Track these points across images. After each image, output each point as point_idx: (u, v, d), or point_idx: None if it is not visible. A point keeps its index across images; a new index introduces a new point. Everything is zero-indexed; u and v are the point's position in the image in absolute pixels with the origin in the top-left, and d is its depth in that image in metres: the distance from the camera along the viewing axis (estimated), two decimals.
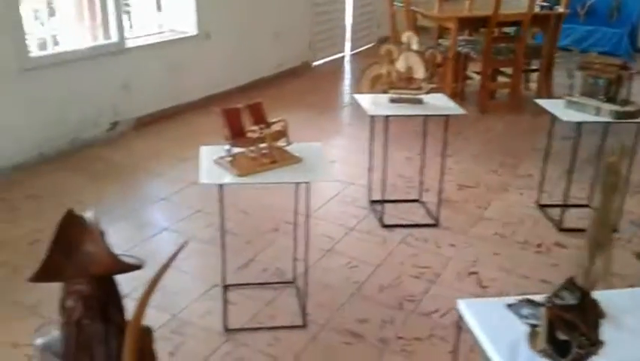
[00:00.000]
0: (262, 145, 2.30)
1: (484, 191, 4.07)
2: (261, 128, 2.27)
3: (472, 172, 4.35)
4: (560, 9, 5.64)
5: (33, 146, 4.17)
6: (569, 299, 1.70)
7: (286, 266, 3.07)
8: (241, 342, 2.54)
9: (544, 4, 5.74)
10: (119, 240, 3.28)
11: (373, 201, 3.81)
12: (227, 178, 2.28)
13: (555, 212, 3.76)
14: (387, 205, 3.70)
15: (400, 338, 2.61)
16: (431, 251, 3.31)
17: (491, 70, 5.65)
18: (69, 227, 1.32)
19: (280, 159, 2.35)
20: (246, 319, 2.69)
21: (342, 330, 2.63)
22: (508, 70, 5.85)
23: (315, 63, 7.19)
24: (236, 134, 2.29)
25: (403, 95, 3.22)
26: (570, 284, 1.68)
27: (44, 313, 2.63)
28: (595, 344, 1.59)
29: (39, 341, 1.43)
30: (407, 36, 3.09)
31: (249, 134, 2.30)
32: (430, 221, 3.63)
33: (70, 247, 1.29)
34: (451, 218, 3.65)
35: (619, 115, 3.18)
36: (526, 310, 1.74)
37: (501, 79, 5.99)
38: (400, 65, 3.15)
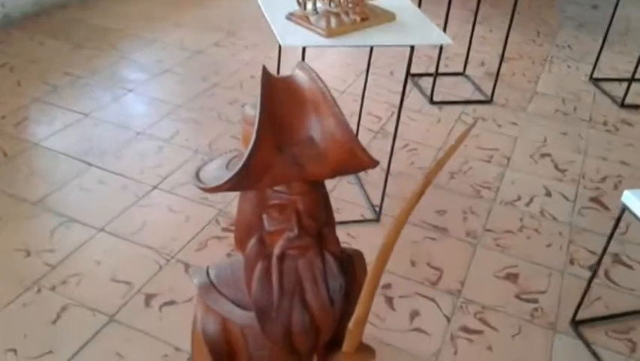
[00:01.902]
0: None
1: (529, 63, 3.62)
2: None
3: (511, 42, 3.85)
4: None
5: None
6: None
7: None
8: None
9: None
10: (129, 120, 2.68)
11: (413, 75, 3.30)
12: (313, 40, 1.71)
13: (609, 87, 3.38)
14: (429, 79, 3.20)
15: (489, 230, 2.24)
16: (493, 131, 2.89)
17: None
18: (276, 99, 0.79)
19: (372, 15, 1.78)
20: None
21: (423, 224, 2.23)
22: None
23: None
24: None
25: None
26: None
27: (57, 208, 2.09)
28: None
29: (197, 276, 0.95)
30: None
31: None
32: (482, 97, 3.17)
33: (283, 129, 0.76)
34: (503, 93, 3.21)
35: None
36: None
37: None
38: None
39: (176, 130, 2.63)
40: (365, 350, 0.92)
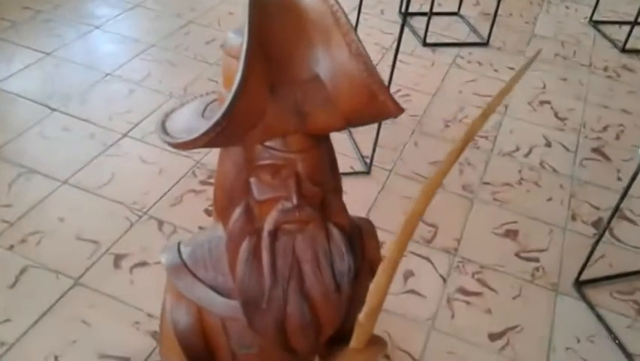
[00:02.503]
0: None
1: (527, 3, 3.40)
2: None
3: None
4: None
5: None
6: None
7: None
8: None
9: None
10: (96, 60, 2.45)
11: (404, 14, 3.07)
12: None
13: (609, 30, 3.20)
14: (421, 19, 2.98)
15: (487, 183, 2.10)
16: (489, 76, 2.70)
17: None
18: (269, 24, 0.59)
19: None
20: None
21: (414, 176, 2.08)
22: None
23: None
24: None
25: None
26: None
27: (15, 158, 1.88)
28: None
29: (166, 255, 0.76)
30: None
31: None
32: (478, 39, 2.97)
33: (278, 64, 0.57)
34: (499, 35, 3.01)
35: None
36: None
37: None
38: None
39: (148, 72, 2.40)
40: (376, 342, 0.76)
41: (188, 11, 2.85)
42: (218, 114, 0.57)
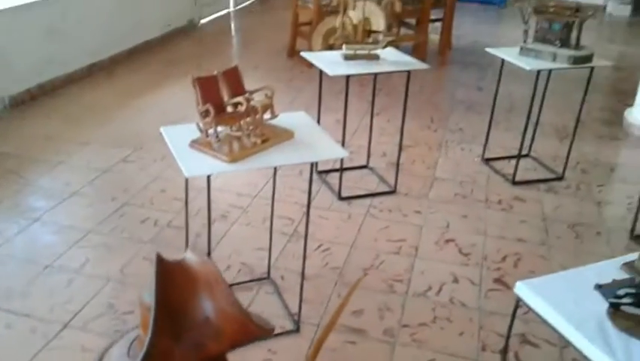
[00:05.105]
0: (248, 120, 1.82)
1: (426, 150, 3.87)
2: (248, 100, 1.79)
3: (408, 130, 4.12)
4: None
5: None
6: None
7: (251, 259, 2.64)
8: None
9: None
10: (36, 252, 2.60)
11: (320, 172, 3.45)
12: (218, 167, 1.78)
13: (500, 165, 3.67)
14: (335, 175, 3.35)
15: (405, 326, 2.32)
16: (400, 221, 3.04)
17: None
18: (170, 284, 0.82)
19: (272, 135, 1.89)
20: None
21: (340, 327, 2.28)
22: (411, 21, 5.71)
23: (202, 21, 6.51)
24: (216, 110, 1.79)
25: (358, 52, 2.84)
26: None
27: None
28: None
29: None
30: None
31: (231, 109, 1.81)
32: (387, 188, 3.35)
33: (179, 318, 0.80)
34: (405, 182, 3.40)
35: (576, 60, 3.07)
36: (623, 290, 1.51)
37: (404, 31, 5.81)
38: (356, 15, 2.76)
39: (86, 258, 2.58)
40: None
41: (121, 193, 3.10)
42: (139, 357, 0.79)
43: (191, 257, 0.88)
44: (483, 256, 2.78)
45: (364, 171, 3.54)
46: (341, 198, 3.21)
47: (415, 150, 3.84)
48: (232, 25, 6.90)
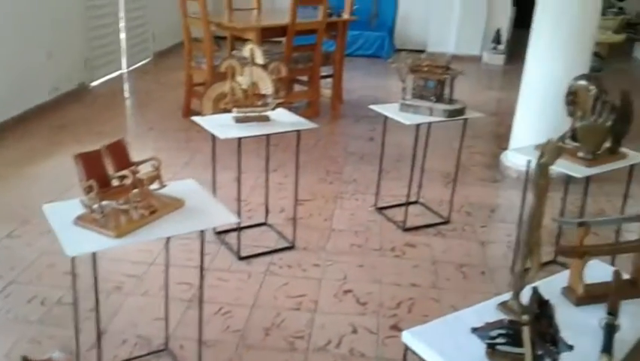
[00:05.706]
0: (135, 193, 1.84)
1: (323, 202, 4.00)
2: (134, 173, 1.80)
3: (304, 184, 4.24)
4: (346, 16, 5.86)
5: None
6: (529, 311, 1.65)
7: (148, 331, 2.58)
8: None
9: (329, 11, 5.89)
10: None
11: (218, 233, 3.46)
12: (104, 243, 1.77)
13: (391, 213, 3.85)
14: (234, 234, 3.38)
15: None
16: (299, 276, 3.10)
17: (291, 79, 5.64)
18: None
19: (161, 206, 1.91)
20: None
21: None
22: (304, 78, 5.94)
23: (93, 84, 6.40)
24: (101, 185, 1.78)
25: (249, 114, 2.94)
26: (534, 295, 1.62)
27: None
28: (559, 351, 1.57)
29: None
30: (250, 49, 2.82)
31: (117, 182, 1.81)
32: (286, 244, 3.41)
33: None
34: (303, 236, 3.48)
35: (450, 113, 3.35)
36: (496, 332, 1.64)
37: (298, 87, 6.03)
38: (245, 80, 2.86)
39: None
40: None
41: (7, 271, 2.95)
42: None
43: (58, 357, 0.88)
44: (379, 304, 2.89)
45: (263, 228, 3.59)
46: (240, 258, 3.23)
47: (312, 203, 3.96)
48: (126, 87, 6.84)
